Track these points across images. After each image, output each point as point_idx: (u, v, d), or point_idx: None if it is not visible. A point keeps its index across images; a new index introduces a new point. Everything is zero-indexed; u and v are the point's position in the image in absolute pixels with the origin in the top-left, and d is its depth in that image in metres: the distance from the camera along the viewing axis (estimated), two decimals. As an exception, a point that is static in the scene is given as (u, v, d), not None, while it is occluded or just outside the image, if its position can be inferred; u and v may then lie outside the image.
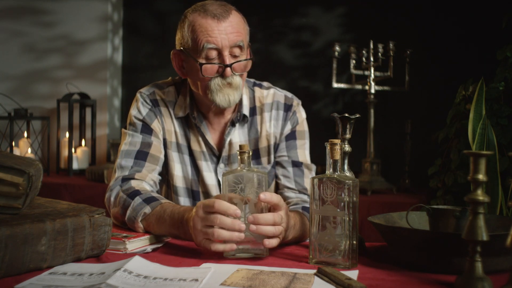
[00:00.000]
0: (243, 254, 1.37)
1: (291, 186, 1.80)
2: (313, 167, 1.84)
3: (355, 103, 3.55)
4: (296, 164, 1.82)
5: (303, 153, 1.84)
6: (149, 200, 1.60)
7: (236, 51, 1.69)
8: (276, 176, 1.83)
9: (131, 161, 1.74)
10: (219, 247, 1.34)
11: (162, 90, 1.83)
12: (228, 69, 1.68)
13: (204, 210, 1.36)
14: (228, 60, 1.68)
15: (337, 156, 1.31)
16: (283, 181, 1.81)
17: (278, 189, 1.83)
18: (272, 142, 1.83)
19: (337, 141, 1.31)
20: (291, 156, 1.82)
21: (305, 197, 1.77)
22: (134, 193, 1.64)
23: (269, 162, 1.83)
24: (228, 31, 1.67)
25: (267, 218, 1.34)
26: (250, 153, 1.38)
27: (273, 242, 1.35)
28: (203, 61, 1.68)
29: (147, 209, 1.57)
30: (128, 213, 1.60)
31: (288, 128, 1.84)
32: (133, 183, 1.69)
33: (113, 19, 3.88)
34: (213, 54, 1.68)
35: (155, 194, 1.65)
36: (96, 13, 3.84)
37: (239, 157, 1.38)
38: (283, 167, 1.82)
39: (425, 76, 3.40)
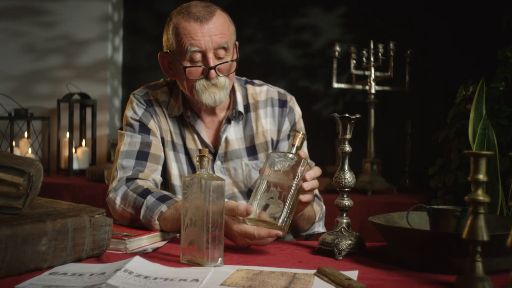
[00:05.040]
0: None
1: None
2: (313, 163, 1.85)
3: (355, 103, 3.55)
4: None
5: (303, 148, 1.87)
6: (163, 198, 1.62)
7: (221, 52, 1.71)
8: None
9: (132, 161, 1.75)
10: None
11: (155, 91, 1.85)
12: (213, 71, 1.69)
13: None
14: (213, 62, 1.69)
15: (296, 143, 1.47)
16: None
17: None
18: (269, 138, 1.85)
19: (299, 134, 1.48)
20: None
21: None
22: (145, 192, 1.65)
23: None
24: (211, 33, 1.68)
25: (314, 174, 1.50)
26: (210, 158, 1.37)
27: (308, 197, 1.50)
28: (188, 64, 1.70)
29: (164, 208, 1.59)
30: (142, 212, 1.61)
31: (286, 126, 1.86)
32: (140, 182, 1.70)
33: (113, 19, 3.88)
34: (198, 56, 1.69)
35: (166, 192, 1.67)
36: (96, 13, 3.84)
37: (197, 162, 1.34)
38: None
39: (425, 76, 3.39)
